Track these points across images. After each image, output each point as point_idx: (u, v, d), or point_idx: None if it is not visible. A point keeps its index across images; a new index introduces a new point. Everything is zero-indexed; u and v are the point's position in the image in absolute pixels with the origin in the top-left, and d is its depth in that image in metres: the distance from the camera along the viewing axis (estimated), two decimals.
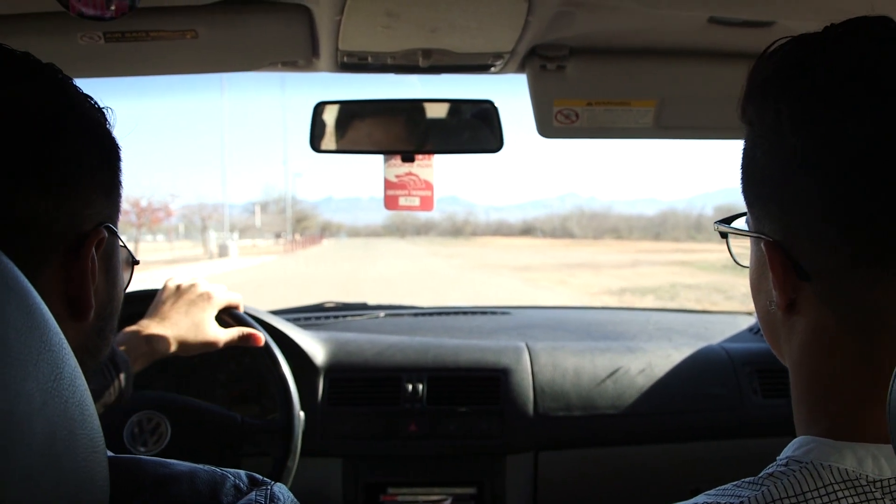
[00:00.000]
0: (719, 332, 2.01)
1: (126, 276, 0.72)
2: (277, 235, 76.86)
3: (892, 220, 0.52)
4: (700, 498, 0.57)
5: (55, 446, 0.38)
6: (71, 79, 0.60)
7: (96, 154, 0.60)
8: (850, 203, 0.53)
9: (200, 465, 0.56)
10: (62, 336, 0.42)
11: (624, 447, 1.69)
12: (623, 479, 1.69)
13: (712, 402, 1.71)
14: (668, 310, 2.34)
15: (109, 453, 0.54)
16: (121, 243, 0.67)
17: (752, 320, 2.11)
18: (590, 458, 1.68)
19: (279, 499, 0.56)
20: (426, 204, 1.50)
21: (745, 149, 0.61)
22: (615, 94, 1.42)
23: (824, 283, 0.56)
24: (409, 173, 1.49)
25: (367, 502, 1.67)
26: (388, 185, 1.49)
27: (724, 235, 0.69)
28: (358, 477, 1.66)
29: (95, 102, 0.62)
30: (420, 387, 1.66)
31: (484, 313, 2.19)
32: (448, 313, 2.18)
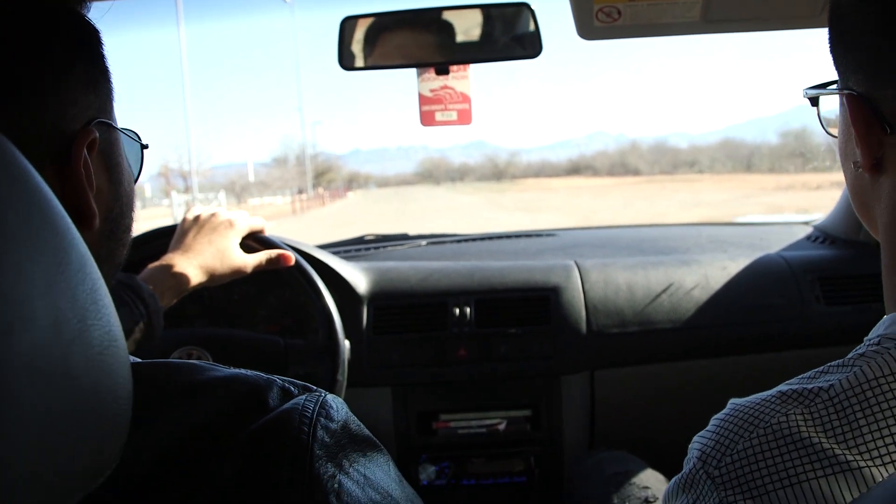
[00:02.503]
0: (776, 242, 2.02)
1: (136, 165, 0.71)
2: (300, 191, 76.29)
3: None
4: (782, 387, 0.57)
5: (63, 335, 0.37)
6: None
7: (72, 45, 0.57)
8: None
9: (247, 371, 0.55)
10: (69, 221, 0.40)
11: (682, 362, 1.72)
12: (683, 394, 1.73)
13: (773, 312, 1.73)
14: (721, 223, 2.35)
15: (135, 359, 0.53)
16: (127, 133, 0.65)
17: (809, 230, 2.11)
18: (647, 374, 1.73)
19: (332, 407, 0.53)
20: (464, 117, 1.52)
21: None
22: None
23: None
24: (445, 87, 1.50)
25: (419, 430, 1.73)
26: (423, 100, 1.51)
27: (813, 103, 0.69)
28: (408, 405, 1.72)
29: None
30: (468, 310, 1.70)
31: (529, 236, 2.23)
32: (492, 238, 2.23)
